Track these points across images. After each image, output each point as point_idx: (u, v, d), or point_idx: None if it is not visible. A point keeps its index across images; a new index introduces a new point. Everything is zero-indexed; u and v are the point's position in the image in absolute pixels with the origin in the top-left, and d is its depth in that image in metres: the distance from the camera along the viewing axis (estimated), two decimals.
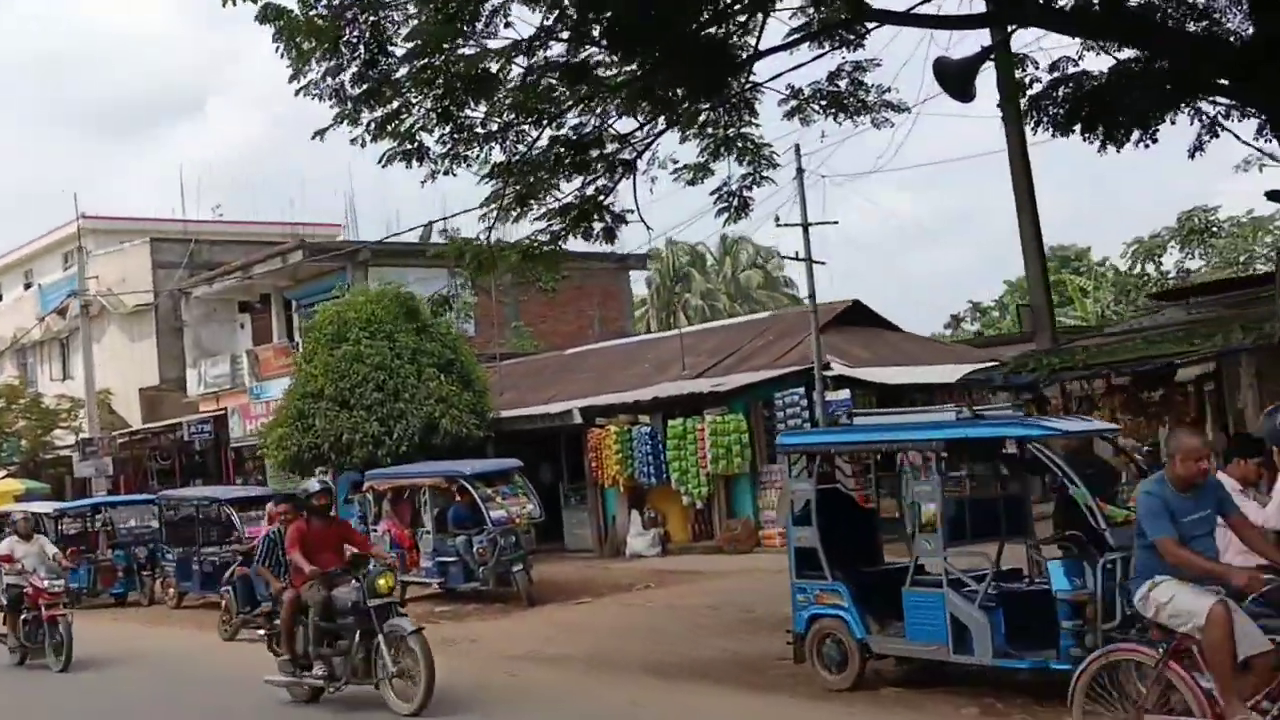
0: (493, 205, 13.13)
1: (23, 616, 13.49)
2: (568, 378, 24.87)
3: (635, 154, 13.86)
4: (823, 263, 19.37)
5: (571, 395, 22.66)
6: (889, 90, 14.98)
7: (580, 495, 21.40)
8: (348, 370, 19.93)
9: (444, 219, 30.46)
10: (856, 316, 22.31)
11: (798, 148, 15.02)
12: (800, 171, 16.83)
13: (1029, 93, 13.11)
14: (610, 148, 13.20)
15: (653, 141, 14.03)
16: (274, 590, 10.87)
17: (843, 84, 15.01)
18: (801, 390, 19.01)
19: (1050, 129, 12.67)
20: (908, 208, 74.54)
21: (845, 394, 19.08)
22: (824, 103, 14.93)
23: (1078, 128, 12.54)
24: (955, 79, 12.70)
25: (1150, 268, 32.49)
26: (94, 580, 20.84)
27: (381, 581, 9.41)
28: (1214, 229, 30.15)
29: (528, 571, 15.90)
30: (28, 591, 13.37)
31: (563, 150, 12.57)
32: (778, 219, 18.74)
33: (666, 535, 20.24)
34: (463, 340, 22.00)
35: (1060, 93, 12.79)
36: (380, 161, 12.53)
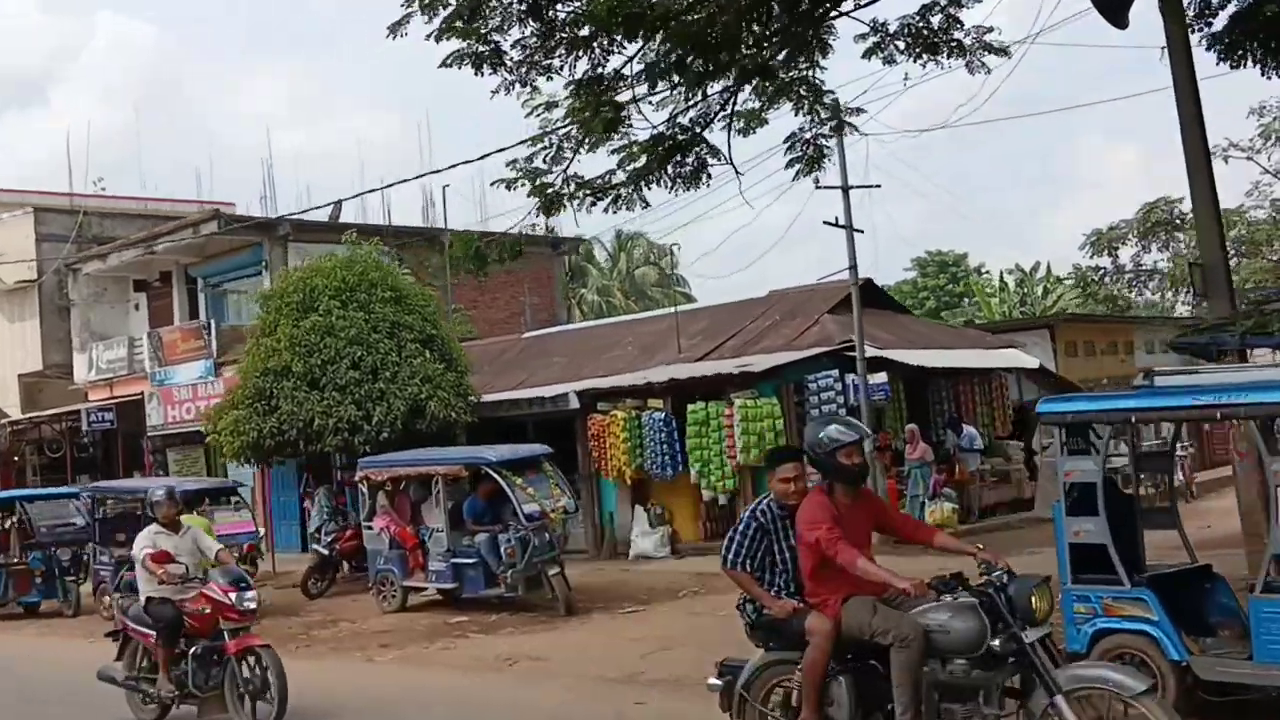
0: (570, 128, 10.98)
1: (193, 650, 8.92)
2: (534, 362, 22.61)
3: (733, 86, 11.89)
4: (861, 231, 17.56)
5: (549, 380, 20.45)
6: (990, 30, 13.43)
7: (573, 490, 19.14)
8: (318, 344, 17.29)
9: (361, 194, 28.24)
10: (867, 297, 20.65)
11: (836, 103, 13.11)
12: (841, 126, 14.95)
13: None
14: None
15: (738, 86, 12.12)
16: None
17: (935, 20, 13.36)
18: (834, 372, 17.22)
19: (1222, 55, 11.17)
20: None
21: (882, 377, 17.38)
22: (910, 40, 13.27)
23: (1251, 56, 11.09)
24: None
25: (1106, 260, 31.77)
26: (5, 587, 17.79)
27: None
28: (1180, 220, 29.49)
29: (564, 575, 13.67)
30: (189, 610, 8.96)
31: (668, 64, 10.50)
32: (817, 181, 16.80)
33: (674, 534, 18.17)
34: (442, 313, 19.52)
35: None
36: (446, 63, 10.35)
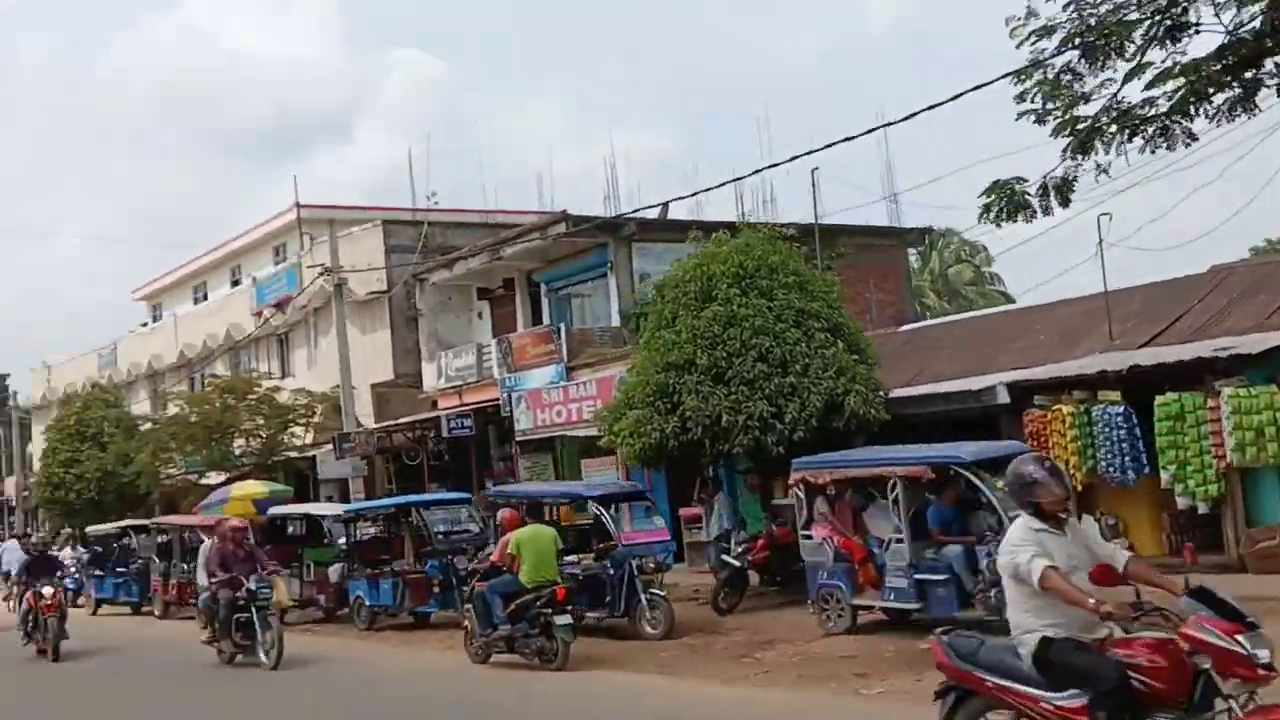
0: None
1: None
2: (922, 356, 20.42)
3: None
4: None
5: (949, 374, 18.22)
6: None
7: None
8: (720, 336, 15.74)
9: (697, 193, 26.81)
10: None
11: None
12: None
13: None
14: None
15: None
16: None
17: None
18: None
19: None
20: None
21: None
22: None
23: None
24: None
25: None
26: (400, 596, 17.13)
27: None
28: None
29: None
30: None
31: None
32: None
33: (1131, 547, 15.52)
34: (845, 299, 17.61)
35: None
36: None
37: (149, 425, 31.29)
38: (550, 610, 12.63)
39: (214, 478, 33.89)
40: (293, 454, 31.63)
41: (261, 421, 30.49)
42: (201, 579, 15.76)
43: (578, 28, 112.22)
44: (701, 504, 18.23)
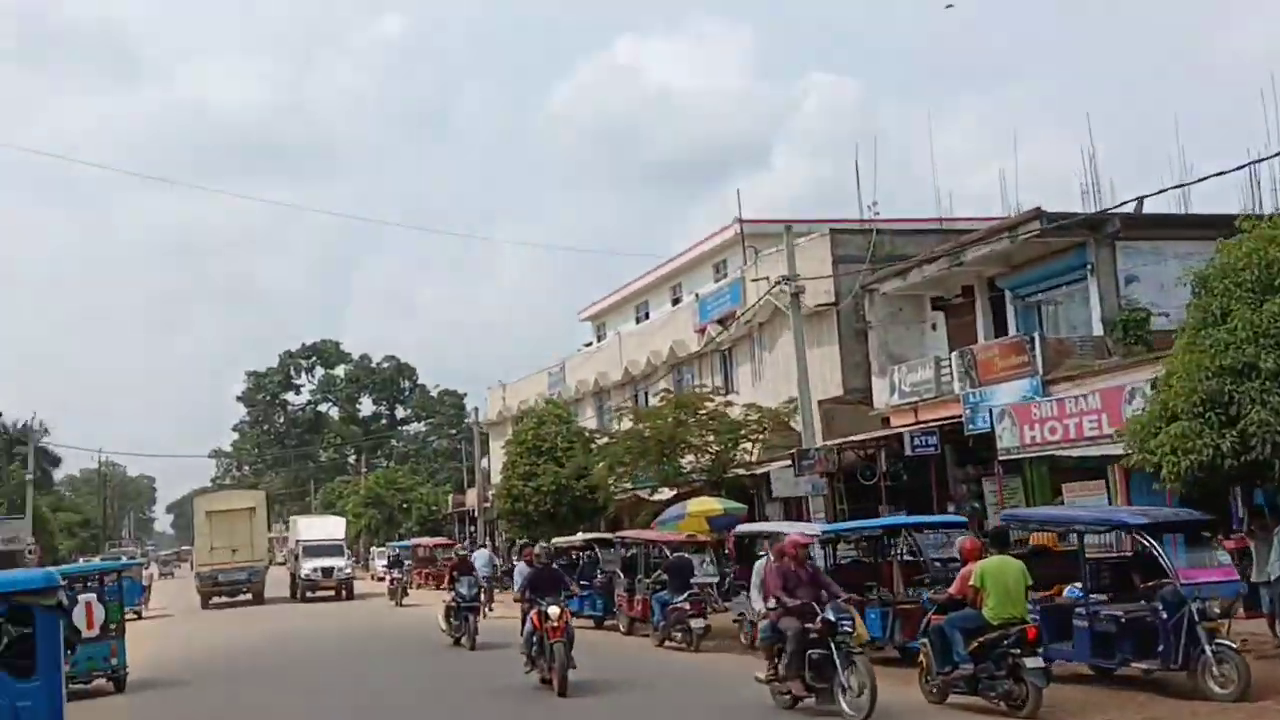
0: None
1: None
2: None
3: None
4: None
5: None
6: None
7: None
8: None
9: (1182, 185, 23.23)
10: None
11: None
12: None
13: None
14: None
15: None
16: None
17: None
18: None
19: None
20: None
21: None
22: None
23: None
24: None
25: None
26: (889, 628, 15.53)
27: None
28: None
29: None
30: None
31: None
32: None
33: None
34: None
35: None
36: None
37: (605, 440, 31.75)
38: (1019, 650, 11.57)
39: (659, 494, 34.07)
40: (740, 471, 30.97)
41: (711, 438, 30.02)
42: (756, 604, 14.39)
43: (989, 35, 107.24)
44: (1252, 537, 15.27)
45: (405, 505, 70.25)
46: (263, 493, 54.88)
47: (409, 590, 38.81)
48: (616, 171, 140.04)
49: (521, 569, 22.72)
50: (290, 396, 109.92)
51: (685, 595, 19.80)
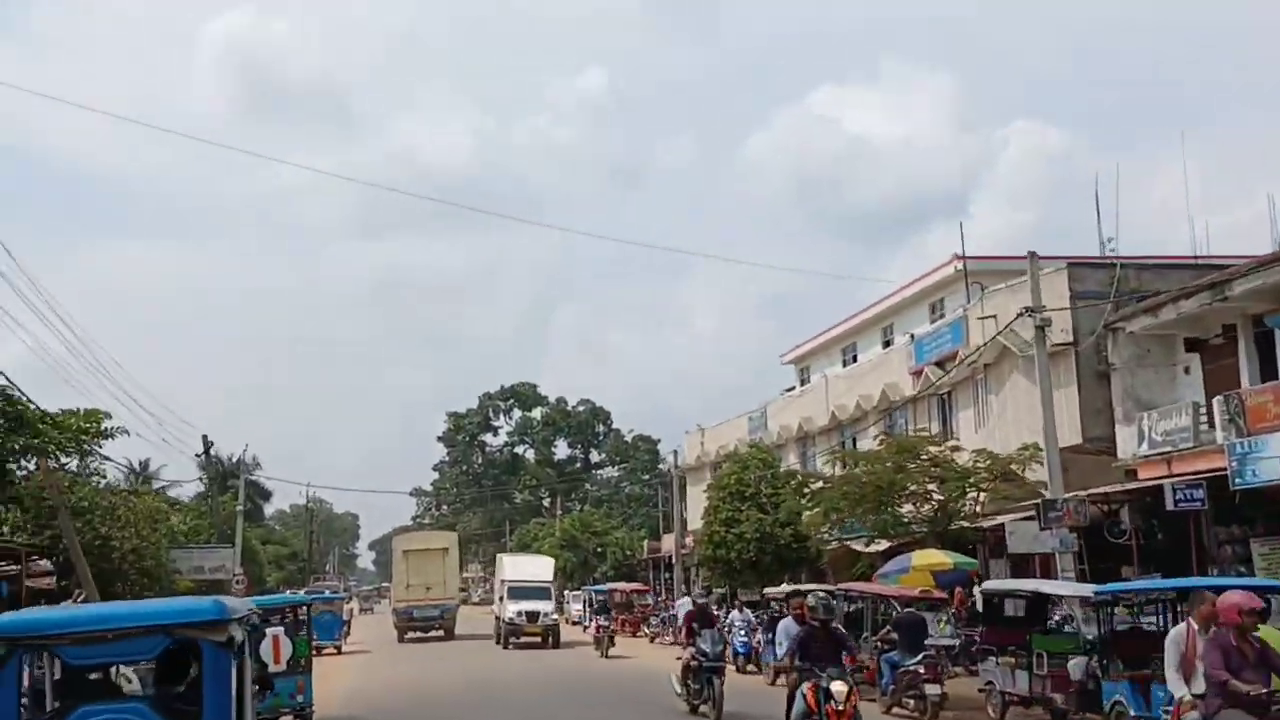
0: None
1: None
2: None
3: None
4: None
5: None
6: None
7: None
8: None
9: None
10: None
11: None
12: None
13: None
14: None
15: None
16: None
17: None
18: None
19: None
20: None
21: None
22: None
23: None
24: None
25: None
26: None
27: None
28: None
29: None
30: None
31: None
32: None
33: None
34: None
35: None
36: None
37: (819, 484, 29.71)
38: None
39: (874, 544, 31.79)
40: (965, 523, 28.47)
41: (934, 486, 27.65)
42: (1176, 687, 10.52)
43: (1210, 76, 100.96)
44: None
45: (600, 549, 69.40)
46: (455, 534, 56.59)
47: (615, 639, 35.98)
48: (812, 221, 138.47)
49: (788, 627, 19.70)
50: (488, 438, 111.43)
51: (919, 657, 17.62)
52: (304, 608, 19.85)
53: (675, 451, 54.02)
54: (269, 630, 16.01)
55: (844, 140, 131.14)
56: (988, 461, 27.08)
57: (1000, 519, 26.76)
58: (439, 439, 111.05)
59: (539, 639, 39.40)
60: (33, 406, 33.52)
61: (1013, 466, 26.89)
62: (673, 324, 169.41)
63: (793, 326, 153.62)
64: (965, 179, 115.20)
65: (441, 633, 44.33)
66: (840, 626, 15.29)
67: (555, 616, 41.20)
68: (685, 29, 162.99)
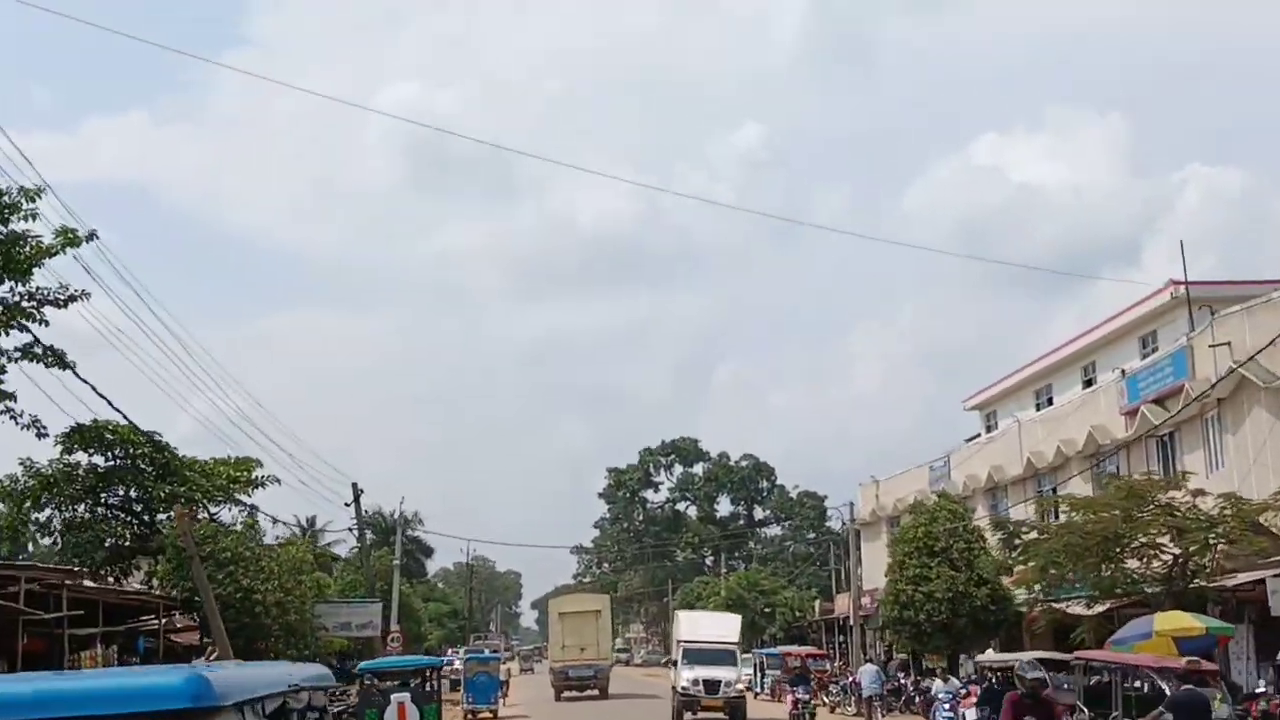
0: None
1: None
2: None
3: None
4: None
5: None
6: None
7: None
8: None
9: None
10: None
11: None
12: None
13: None
14: None
15: None
16: None
17: None
18: None
19: None
20: None
21: None
22: None
23: None
24: None
25: None
26: None
27: None
28: None
29: None
30: None
31: None
32: None
33: None
34: None
35: None
36: None
37: (1030, 535, 25.76)
38: None
39: (1076, 605, 27.66)
40: (1203, 581, 24.23)
41: (1167, 538, 23.58)
42: None
43: None
44: None
45: (769, 609, 65.60)
46: (608, 596, 59.65)
47: (814, 716, 31.25)
48: (975, 273, 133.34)
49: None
50: (649, 494, 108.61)
51: None
52: (433, 670, 17.20)
53: (851, 504, 50.15)
54: (394, 696, 13.46)
55: (1006, 189, 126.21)
56: (1235, 509, 22.91)
57: (1245, 576, 22.53)
58: (600, 495, 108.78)
59: (720, 715, 32.45)
60: (180, 455, 32.46)
61: (1268, 515, 22.67)
62: (835, 381, 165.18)
63: (957, 379, 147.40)
64: (1138, 226, 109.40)
65: (596, 691, 44.91)
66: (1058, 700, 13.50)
67: (741, 688, 34.14)
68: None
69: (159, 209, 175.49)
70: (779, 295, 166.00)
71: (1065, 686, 18.81)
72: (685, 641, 34.28)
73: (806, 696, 31.43)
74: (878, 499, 52.73)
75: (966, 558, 34.30)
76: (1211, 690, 15.38)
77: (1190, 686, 14.22)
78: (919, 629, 34.18)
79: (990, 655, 22.42)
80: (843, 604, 53.28)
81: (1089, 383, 39.88)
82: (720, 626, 36.33)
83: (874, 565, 51.24)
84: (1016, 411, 44.79)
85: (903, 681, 35.17)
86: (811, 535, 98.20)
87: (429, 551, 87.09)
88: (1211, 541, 22.73)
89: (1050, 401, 42.64)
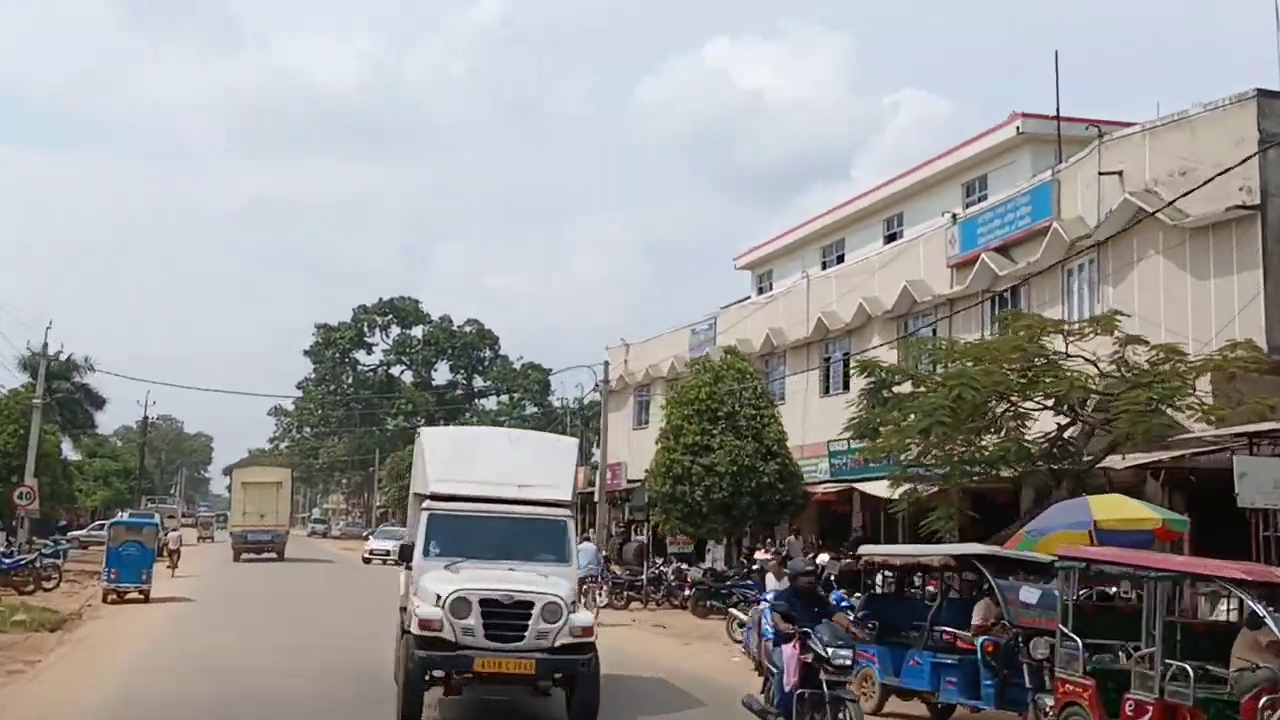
0: None
1: None
2: None
3: None
4: None
5: None
6: None
7: None
8: None
9: None
10: None
11: None
12: None
13: None
14: None
15: None
16: None
17: None
18: None
19: None
20: None
21: None
22: None
23: None
24: None
25: None
26: None
27: None
28: None
29: None
30: None
31: None
32: None
33: None
34: None
35: None
36: None
37: (904, 387, 19.45)
38: None
39: (873, 486, 22.09)
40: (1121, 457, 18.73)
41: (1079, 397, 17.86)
42: None
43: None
44: None
45: None
46: (289, 469, 66.18)
47: None
48: (699, 174, 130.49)
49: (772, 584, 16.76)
50: (361, 355, 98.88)
51: None
52: None
53: (606, 363, 43.47)
54: None
55: (738, 96, 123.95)
56: (1172, 358, 17.40)
57: (1181, 451, 17.18)
58: (305, 353, 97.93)
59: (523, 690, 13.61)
60: None
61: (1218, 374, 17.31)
62: (561, 266, 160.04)
63: (676, 275, 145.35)
64: (849, 144, 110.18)
65: (274, 554, 49.10)
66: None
67: (586, 622, 12.41)
68: None
69: None
70: (512, 179, 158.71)
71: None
72: (439, 497, 13.38)
73: None
74: (626, 364, 46.45)
75: (755, 426, 28.36)
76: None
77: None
78: (694, 508, 28.06)
79: (874, 549, 15.99)
80: (581, 479, 46.88)
81: (892, 237, 34.55)
82: (534, 463, 13.95)
83: (618, 439, 45.27)
84: (797, 272, 39.11)
85: (662, 569, 29.11)
86: (535, 410, 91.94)
87: (100, 402, 74.46)
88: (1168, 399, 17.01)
89: (841, 259, 37.15)
